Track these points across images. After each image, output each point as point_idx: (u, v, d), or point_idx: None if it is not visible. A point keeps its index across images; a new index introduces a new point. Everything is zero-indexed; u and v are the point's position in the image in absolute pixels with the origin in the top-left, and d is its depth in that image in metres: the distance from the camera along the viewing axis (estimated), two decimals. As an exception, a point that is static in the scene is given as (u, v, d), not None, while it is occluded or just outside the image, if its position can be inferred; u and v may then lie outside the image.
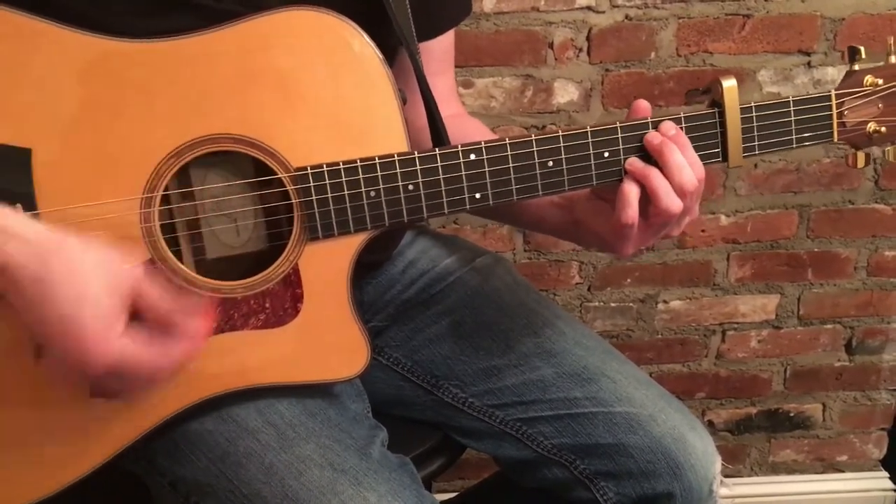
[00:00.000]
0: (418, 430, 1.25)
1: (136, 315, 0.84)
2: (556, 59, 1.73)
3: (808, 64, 1.77)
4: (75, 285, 0.79)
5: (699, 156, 0.98)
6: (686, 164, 0.96)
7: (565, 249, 1.89)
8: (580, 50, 1.73)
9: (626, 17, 1.71)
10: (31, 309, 0.79)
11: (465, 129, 1.17)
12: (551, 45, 1.72)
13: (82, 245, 0.82)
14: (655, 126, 0.98)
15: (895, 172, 1.87)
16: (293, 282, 0.97)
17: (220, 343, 0.97)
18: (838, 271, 1.97)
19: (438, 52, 1.21)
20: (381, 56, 0.95)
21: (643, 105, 0.99)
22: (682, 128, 0.99)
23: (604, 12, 1.70)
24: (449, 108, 1.20)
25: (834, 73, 1.77)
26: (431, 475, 1.24)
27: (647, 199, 0.97)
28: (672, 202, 0.95)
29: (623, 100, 1.77)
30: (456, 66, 1.29)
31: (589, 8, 1.70)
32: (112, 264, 0.82)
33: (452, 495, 1.62)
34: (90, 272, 0.80)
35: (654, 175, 0.96)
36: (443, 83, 1.21)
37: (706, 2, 1.71)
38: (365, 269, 1.18)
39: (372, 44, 0.94)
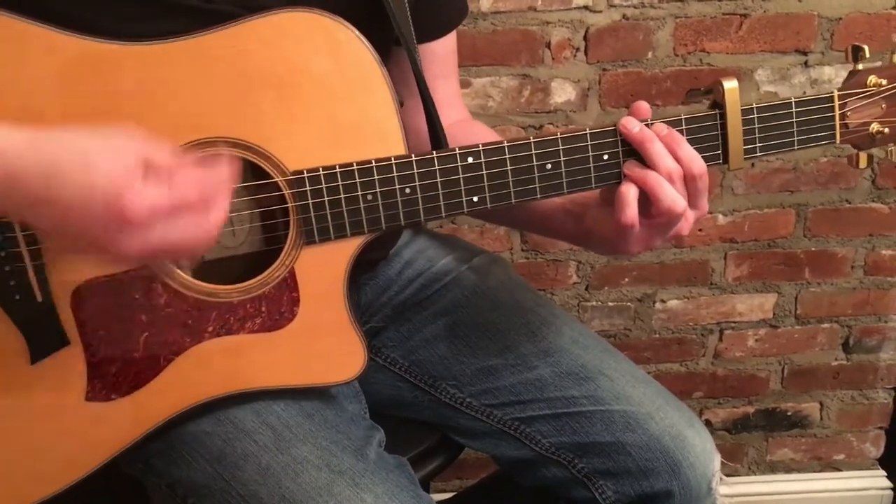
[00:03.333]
0: (416, 430, 1.25)
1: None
2: (553, 58, 1.73)
3: (806, 63, 1.77)
4: (78, 161, 0.77)
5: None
6: (667, 152, 0.96)
7: (563, 249, 1.89)
8: (577, 49, 1.73)
9: (624, 16, 1.71)
10: (50, 211, 0.77)
11: (474, 134, 1.17)
12: (548, 45, 1.72)
13: (76, 129, 0.79)
14: (654, 129, 0.98)
15: (892, 171, 1.87)
16: (290, 285, 0.97)
17: (217, 347, 0.97)
18: (835, 270, 1.97)
19: (440, 55, 1.20)
20: (377, 57, 0.94)
21: (643, 107, 0.99)
22: (683, 129, 0.98)
23: (601, 12, 1.70)
24: (454, 113, 1.20)
25: (831, 73, 1.77)
26: (429, 475, 1.24)
27: (649, 199, 0.96)
28: (673, 202, 0.95)
29: (620, 99, 1.77)
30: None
31: (586, 7, 1.70)
32: (109, 133, 0.80)
33: (451, 495, 1.62)
34: (90, 145, 0.78)
35: (653, 176, 0.96)
36: (446, 87, 1.21)
37: (703, 1, 1.71)
38: (362, 268, 1.18)
39: (368, 45, 0.94)
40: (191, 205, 0.81)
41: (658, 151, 0.96)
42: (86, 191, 0.76)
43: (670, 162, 0.96)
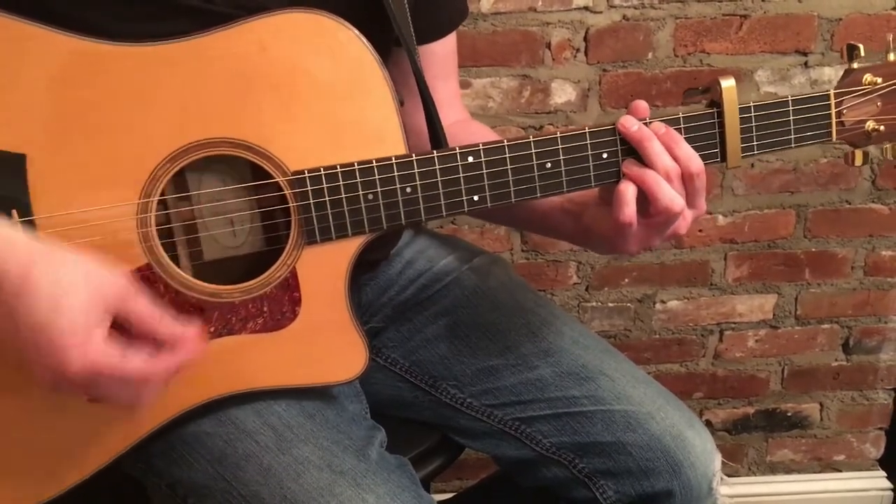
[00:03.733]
0: (417, 430, 1.25)
1: (122, 327, 0.85)
2: (553, 59, 1.73)
3: (806, 64, 1.77)
4: (55, 294, 0.80)
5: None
6: (664, 150, 0.96)
7: (563, 249, 1.89)
8: (577, 50, 1.73)
9: (624, 17, 1.71)
10: (9, 316, 0.80)
11: (473, 134, 1.17)
12: (549, 46, 1.72)
13: (70, 256, 0.82)
14: (654, 128, 0.98)
15: (892, 172, 1.87)
16: (291, 285, 0.97)
17: (219, 347, 0.97)
18: (835, 271, 1.97)
19: (440, 56, 1.21)
20: (377, 57, 0.94)
21: (641, 106, 0.99)
22: (681, 128, 0.98)
23: (601, 12, 1.70)
24: (454, 114, 1.20)
25: (831, 73, 1.77)
26: (430, 475, 1.24)
27: (647, 198, 0.97)
28: (671, 200, 0.95)
29: (620, 100, 1.77)
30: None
31: (586, 8, 1.70)
32: (97, 276, 0.83)
33: (451, 495, 1.62)
34: (72, 283, 0.81)
35: (651, 176, 0.96)
36: (446, 88, 1.21)
37: (703, 2, 1.71)
38: (362, 269, 1.18)
39: (368, 45, 0.94)
40: (130, 381, 0.84)
41: (656, 150, 0.96)
42: (45, 324, 0.79)
43: (668, 160, 0.96)
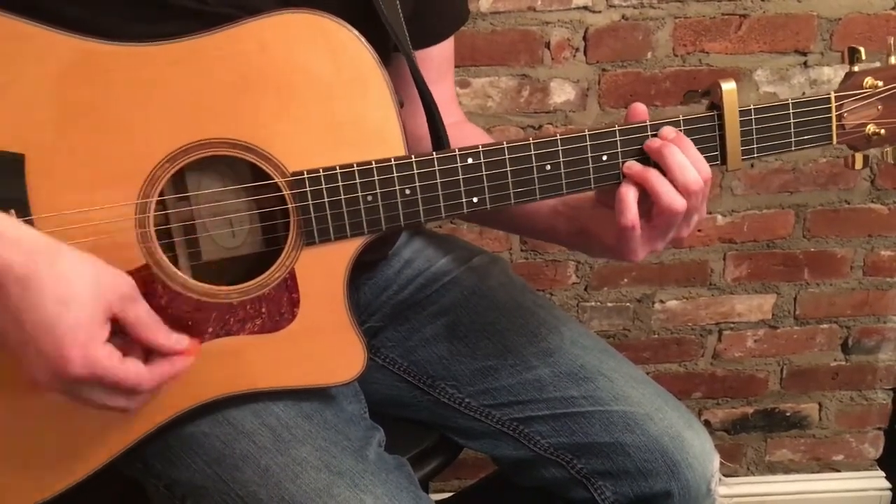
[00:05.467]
0: (415, 430, 1.25)
1: (120, 332, 0.85)
2: (552, 58, 1.73)
3: (805, 64, 1.77)
4: (61, 289, 0.80)
5: None
6: (688, 162, 0.96)
7: (562, 249, 1.89)
8: (577, 50, 1.73)
9: (623, 16, 1.71)
10: (11, 310, 0.79)
11: (466, 136, 1.17)
12: (548, 45, 1.72)
13: (76, 254, 0.82)
14: (654, 129, 0.98)
15: (891, 172, 1.87)
16: (290, 286, 0.97)
17: (217, 348, 0.97)
18: (834, 271, 1.97)
19: (437, 60, 1.21)
20: (377, 58, 0.94)
21: (640, 108, 0.99)
22: (680, 130, 0.98)
23: (600, 12, 1.70)
24: (449, 116, 1.20)
25: (830, 73, 1.77)
26: (428, 475, 1.24)
27: (649, 200, 0.96)
28: (673, 200, 0.95)
29: (620, 99, 1.77)
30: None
31: (585, 8, 1.70)
32: (104, 274, 0.84)
33: (449, 495, 1.62)
34: (78, 279, 0.81)
35: (654, 176, 0.96)
36: (442, 91, 1.20)
37: (702, 2, 1.71)
38: (361, 269, 1.17)
39: (368, 46, 0.94)
40: (125, 387, 0.85)
41: (678, 161, 0.96)
42: (50, 320, 0.80)
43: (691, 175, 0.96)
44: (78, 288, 0.81)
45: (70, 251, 0.83)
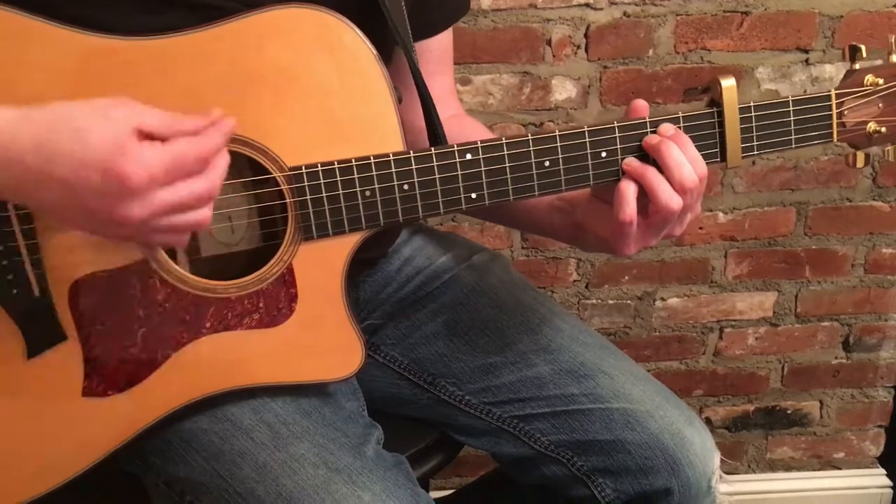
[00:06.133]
0: (416, 427, 1.25)
1: None
2: (553, 56, 1.73)
3: (806, 61, 1.76)
4: (72, 127, 0.77)
5: None
6: (685, 160, 0.95)
7: (563, 247, 1.88)
8: (578, 47, 1.73)
9: (624, 14, 1.71)
10: (43, 178, 0.77)
11: (464, 129, 1.17)
12: (549, 42, 1.72)
13: (68, 101, 0.80)
14: (653, 126, 0.98)
15: (893, 170, 1.87)
16: (287, 282, 0.97)
17: (214, 343, 0.97)
18: (836, 269, 1.97)
19: (437, 52, 1.20)
20: (376, 53, 0.94)
21: (641, 105, 0.99)
22: (680, 127, 0.98)
23: (602, 9, 1.70)
24: (448, 109, 1.20)
25: (832, 71, 1.77)
26: (429, 473, 1.23)
27: (646, 197, 0.96)
28: (671, 199, 0.95)
29: (621, 97, 1.76)
30: (454, 64, 1.28)
31: (587, 5, 1.70)
32: (104, 104, 0.80)
33: (450, 492, 1.62)
34: (82, 112, 0.79)
35: (652, 173, 0.95)
36: (441, 83, 1.21)
37: (704, -1, 1.71)
38: (361, 266, 1.18)
39: (367, 41, 0.94)
40: (188, 167, 0.80)
41: (675, 158, 0.96)
42: (81, 158, 0.77)
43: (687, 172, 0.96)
44: (87, 115, 0.78)
45: (62, 103, 0.79)
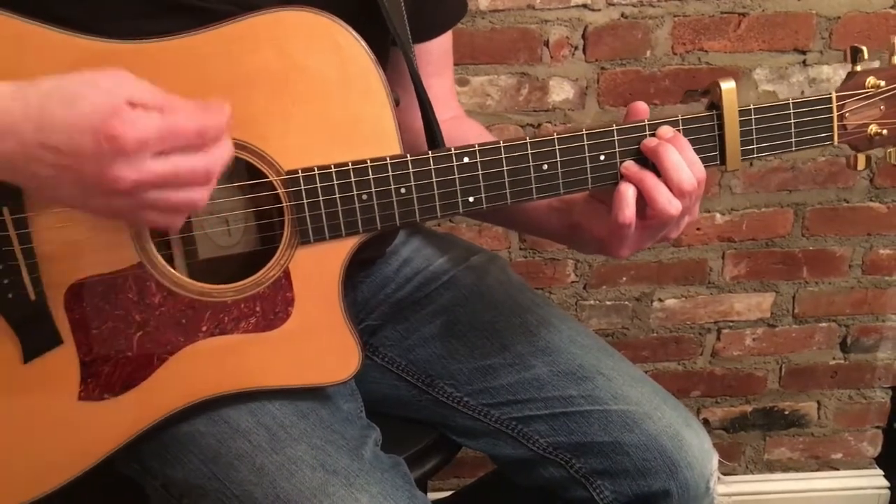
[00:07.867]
0: (414, 429, 1.24)
1: None
2: (551, 57, 1.73)
3: (804, 62, 1.76)
4: (64, 91, 0.77)
5: None
6: (683, 163, 0.95)
7: (561, 248, 1.88)
8: (576, 48, 1.72)
9: (622, 15, 1.71)
10: (37, 148, 0.77)
11: (464, 131, 1.17)
12: (547, 43, 1.72)
13: (58, 75, 0.79)
14: (652, 128, 0.98)
15: (890, 171, 1.87)
16: (284, 285, 0.97)
17: (211, 347, 0.97)
18: (833, 269, 1.97)
19: (436, 54, 1.20)
20: (373, 57, 0.94)
21: (640, 107, 0.99)
22: (679, 130, 0.98)
23: (599, 10, 1.70)
24: (448, 111, 1.20)
25: (829, 72, 1.77)
26: (427, 474, 1.23)
27: (644, 200, 0.96)
28: (669, 203, 0.95)
29: (619, 98, 1.76)
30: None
31: (584, 6, 1.70)
32: (97, 74, 0.79)
33: (448, 494, 1.62)
34: (75, 80, 0.78)
35: (650, 177, 0.95)
36: (441, 85, 1.20)
37: (701, 0, 1.70)
38: (358, 267, 1.18)
39: (364, 44, 0.94)
40: (185, 139, 0.79)
41: (673, 161, 0.95)
42: (75, 123, 0.76)
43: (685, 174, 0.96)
44: (80, 83, 0.78)
45: (55, 76, 0.79)
